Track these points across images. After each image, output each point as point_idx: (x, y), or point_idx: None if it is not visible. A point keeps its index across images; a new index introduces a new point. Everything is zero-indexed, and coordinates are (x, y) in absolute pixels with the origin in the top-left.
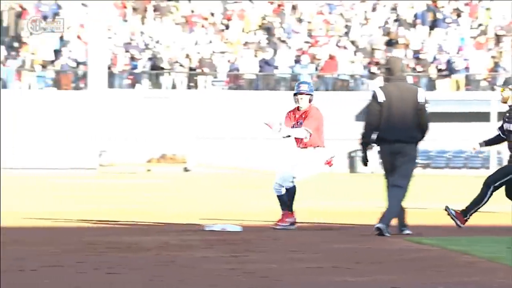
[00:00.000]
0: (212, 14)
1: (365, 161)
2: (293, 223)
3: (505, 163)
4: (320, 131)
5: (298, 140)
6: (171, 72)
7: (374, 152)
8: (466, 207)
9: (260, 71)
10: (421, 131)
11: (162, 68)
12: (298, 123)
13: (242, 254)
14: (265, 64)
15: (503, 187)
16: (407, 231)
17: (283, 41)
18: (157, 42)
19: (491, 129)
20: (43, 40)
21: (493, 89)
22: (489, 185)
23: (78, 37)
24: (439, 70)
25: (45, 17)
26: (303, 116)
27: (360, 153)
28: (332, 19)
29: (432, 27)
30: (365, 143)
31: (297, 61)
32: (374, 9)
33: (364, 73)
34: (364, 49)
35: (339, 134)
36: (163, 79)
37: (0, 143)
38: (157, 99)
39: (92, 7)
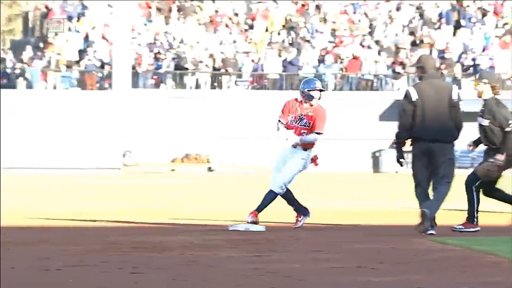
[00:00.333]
0: (236, 14)
1: (400, 161)
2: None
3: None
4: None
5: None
6: (195, 72)
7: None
8: (467, 215)
9: (283, 71)
10: (457, 129)
11: (186, 68)
12: (299, 119)
13: (266, 254)
14: (288, 64)
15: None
16: (432, 231)
17: (307, 41)
18: (181, 42)
19: None
20: (68, 40)
21: None
22: (470, 188)
23: (103, 37)
24: (464, 70)
25: (70, 18)
26: (309, 113)
27: (394, 153)
28: (356, 19)
29: (457, 27)
30: (400, 143)
31: (321, 61)
32: (398, 9)
33: (388, 73)
34: (388, 48)
35: (363, 134)
36: (187, 79)
37: (26, 143)
38: (181, 99)
39: (116, 7)
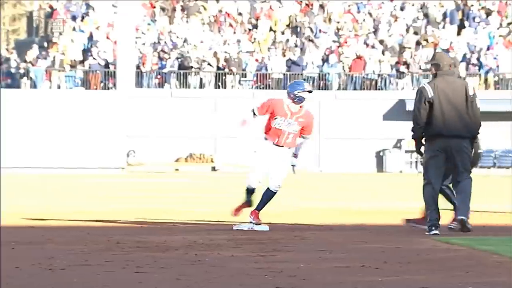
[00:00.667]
0: (240, 14)
1: (420, 151)
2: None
3: None
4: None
5: (279, 140)
6: (199, 72)
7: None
8: (455, 215)
9: (287, 71)
10: (476, 124)
11: (190, 68)
12: (288, 124)
13: (270, 254)
14: (292, 63)
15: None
16: (435, 231)
17: (311, 41)
18: (185, 41)
19: None
20: (72, 40)
21: None
22: (441, 189)
23: (107, 37)
24: (468, 69)
25: (74, 17)
26: (300, 119)
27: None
28: (361, 18)
29: (461, 26)
30: (418, 138)
31: (325, 60)
32: (402, 8)
33: (392, 73)
34: (392, 48)
35: (367, 134)
36: (191, 79)
37: (30, 143)
38: (185, 98)
39: (120, 7)
